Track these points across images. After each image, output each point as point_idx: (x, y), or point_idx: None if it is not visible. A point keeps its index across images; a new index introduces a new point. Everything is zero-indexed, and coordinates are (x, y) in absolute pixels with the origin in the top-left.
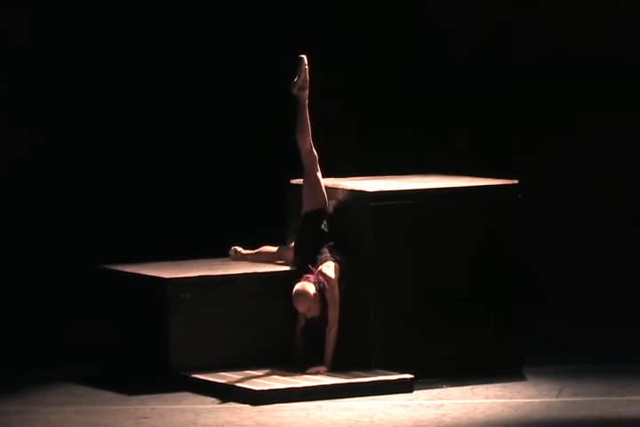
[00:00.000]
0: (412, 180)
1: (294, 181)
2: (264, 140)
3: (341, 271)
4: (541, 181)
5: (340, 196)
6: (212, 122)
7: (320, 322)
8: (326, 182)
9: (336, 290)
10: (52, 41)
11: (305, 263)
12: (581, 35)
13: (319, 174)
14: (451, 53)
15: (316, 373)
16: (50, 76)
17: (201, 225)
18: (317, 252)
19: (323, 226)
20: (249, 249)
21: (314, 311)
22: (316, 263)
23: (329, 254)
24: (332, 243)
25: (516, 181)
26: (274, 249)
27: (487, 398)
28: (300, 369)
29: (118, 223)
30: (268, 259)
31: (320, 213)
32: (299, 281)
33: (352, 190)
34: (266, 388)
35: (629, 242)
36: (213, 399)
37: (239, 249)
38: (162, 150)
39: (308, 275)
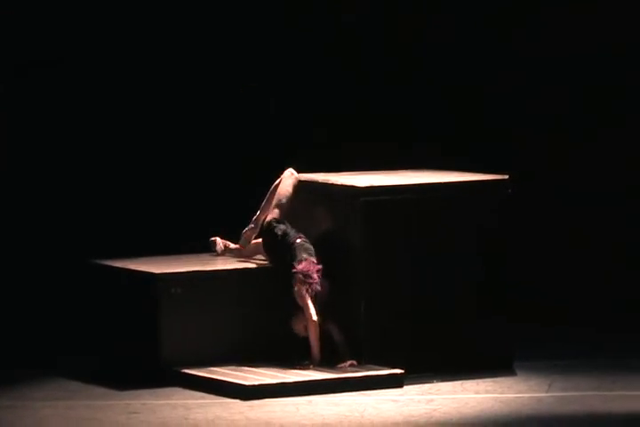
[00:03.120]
0: (403, 175)
1: None
2: (255, 133)
3: (316, 263)
4: (540, 178)
5: (331, 191)
6: (203, 116)
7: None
8: (317, 177)
9: (302, 290)
10: (53, 41)
11: (283, 276)
12: (582, 35)
13: (293, 186)
14: (451, 53)
15: (306, 368)
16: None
17: (191, 220)
18: (289, 264)
19: (280, 235)
20: (229, 241)
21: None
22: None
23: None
24: (297, 243)
25: (506, 176)
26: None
27: (477, 393)
28: (290, 364)
29: (108, 218)
30: (249, 254)
31: (278, 222)
32: None
33: (343, 185)
34: (256, 383)
35: (621, 238)
36: (204, 394)
37: (218, 240)
38: (151, 145)
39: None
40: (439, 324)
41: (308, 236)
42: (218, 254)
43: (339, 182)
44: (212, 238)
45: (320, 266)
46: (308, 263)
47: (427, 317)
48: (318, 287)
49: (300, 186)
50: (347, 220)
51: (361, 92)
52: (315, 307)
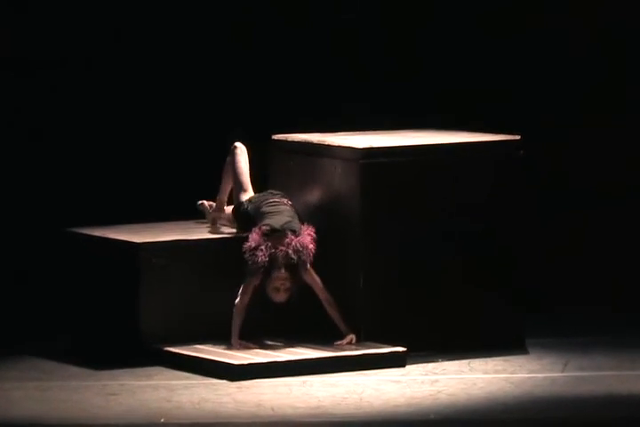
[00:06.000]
0: (404, 135)
1: (277, 137)
2: (243, 94)
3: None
4: (539, 177)
5: (327, 153)
6: (185, 80)
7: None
8: (312, 138)
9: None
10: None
11: None
12: (581, 35)
13: (244, 160)
14: (451, 54)
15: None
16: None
17: (175, 186)
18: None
19: (244, 219)
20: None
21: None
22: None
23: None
24: (259, 213)
25: (517, 137)
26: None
27: (486, 372)
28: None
29: (86, 184)
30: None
31: (240, 205)
32: None
33: (339, 146)
34: (245, 362)
35: (621, 238)
36: (189, 375)
37: (206, 203)
38: (130, 111)
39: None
40: (444, 298)
41: (300, 202)
42: (207, 216)
43: (335, 144)
44: (200, 202)
45: (259, 229)
46: (248, 239)
47: (431, 290)
48: (262, 256)
49: (294, 147)
50: (344, 184)
51: (361, 91)
52: (257, 277)
